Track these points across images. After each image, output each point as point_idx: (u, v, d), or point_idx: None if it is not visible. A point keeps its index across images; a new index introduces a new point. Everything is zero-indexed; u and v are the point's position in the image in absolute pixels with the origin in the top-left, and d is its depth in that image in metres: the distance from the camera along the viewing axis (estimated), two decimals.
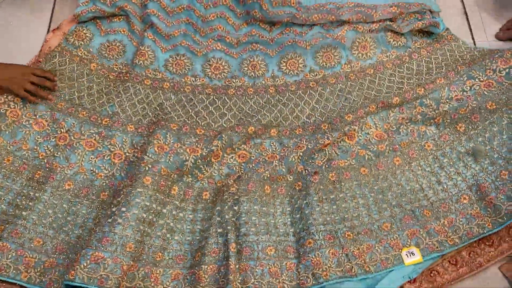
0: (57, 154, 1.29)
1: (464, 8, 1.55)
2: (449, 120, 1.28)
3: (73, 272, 1.01)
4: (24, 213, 1.18)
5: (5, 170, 1.25)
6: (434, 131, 1.29)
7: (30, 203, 1.20)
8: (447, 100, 1.32)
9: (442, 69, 1.40)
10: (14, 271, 1.09)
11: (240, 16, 1.52)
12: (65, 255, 1.13)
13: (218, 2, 1.50)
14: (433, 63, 1.42)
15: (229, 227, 1.16)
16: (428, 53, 1.44)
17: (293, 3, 1.46)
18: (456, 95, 1.32)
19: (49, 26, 1.54)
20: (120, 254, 1.07)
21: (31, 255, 1.12)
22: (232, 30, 1.52)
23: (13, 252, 1.11)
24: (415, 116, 1.31)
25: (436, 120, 1.29)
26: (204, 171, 1.29)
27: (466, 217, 1.14)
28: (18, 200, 1.21)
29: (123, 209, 1.13)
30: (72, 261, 1.09)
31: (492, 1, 1.54)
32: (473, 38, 1.48)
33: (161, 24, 1.48)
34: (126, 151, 1.31)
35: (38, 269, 1.11)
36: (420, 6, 1.45)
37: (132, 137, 1.34)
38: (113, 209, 1.14)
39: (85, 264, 1.03)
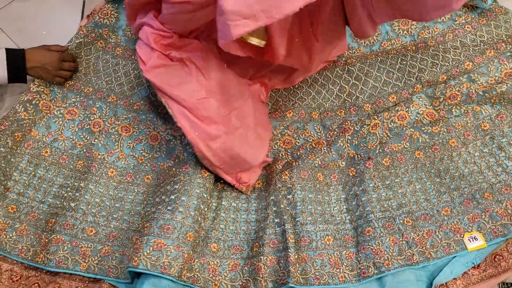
0: (94, 141, 1.25)
1: None
2: (506, 100, 1.22)
3: (136, 259, 0.99)
4: (72, 204, 1.15)
5: (45, 163, 1.21)
6: (490, 111, 1.23)
7: (76, 194, 1.17)
8: (497, 75, 1.25)
9: (490, 43, 1.33)
10: (72, 262, 1.07)
11: None
12: (119, 241, 1.12)
13: None
14: (478, 40, 1.34)
15: (285, 217, 1.11)
16: (474, 29, 1.36)
17: None
18: (506, 70, 1.25)
19: (83, 12, 1.47)
20: (182, 243, 1.03)
21: (86, 245, 1.10)
22: None
23: (68, 243, 1.09)
24: (469, 96, 1.24)
25: (492, 100, 1.23)
26: None
27: None
28: (63, 191, 1.18)
29: (183, 198, 1.09)
30: (126, 246, 1.08)
31: None
32: None
33: None
34: (160, 131, 1.27)
35: (95, 258, 1.09)
36: None
37: (164, 116, 1.29)
38: (172, 197, 1.10)
39: (148, 251, 1.00)
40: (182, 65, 1.07)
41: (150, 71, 1.05)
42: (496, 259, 1.09)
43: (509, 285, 1.08)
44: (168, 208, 1.08)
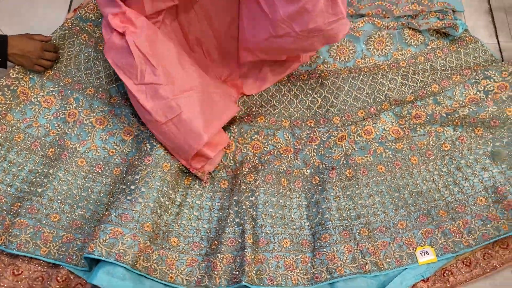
0: (67, 131, 1.28)
1: (491, 8, 1.54)
2: (467, 124, 1.27)
3: (92, 245, 1.01)
4: (39, 189, 1.17)
5: (17, 148, 1.23)
6: (452, 132, 1.28)
7: (44, 180, 1.19)
8: (461, 100, 1.30)
9: (458, 69, 1.39)
10: (33, 246, 1.09)
11: None
12: (81, 230, 1.14)
13: None
14: (447, 66, 1.40)
15: (246, 218, 1.14)
16: (444, 55, 1.42)
17: None
18: (470, 95, 1.31)
19: (70, 6, 1.52)
20: (138, 232, 1.06)
21: (49, 230, 1.11)
22: None
23: (31, 228, 1.11)
24: (433, 117, 1.29)
25: (454, 122, 1.28)
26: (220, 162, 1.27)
27: (482, 219, 1.13)
28: (32, 177, 1.20)
29: (143, 189, 1.12)
30: (89, 235, 1.10)
31: None
32: (497, 39, 1.47)
33: None
34: (133, 126, 1.30)
35: (57, 244, 1.10)
36: (443, 5, 1.44)
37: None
38: (132, 187, 1.13)
39: (104, 239, 1.02)
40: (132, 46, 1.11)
41: (106, 52, 1.12)
42: (445, 274, 1.13)
43: None
44: (128, 197, 1.10)
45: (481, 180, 1.20)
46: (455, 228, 1.13)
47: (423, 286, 1.11)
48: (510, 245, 1.14)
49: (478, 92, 1.30)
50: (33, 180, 1.20)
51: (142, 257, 1.05)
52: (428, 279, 1.11)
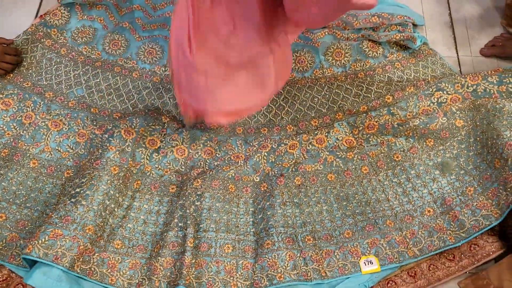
0: (22, 132, 1.29)
1: (452, 21, 1.55)
2: (419, 134, 1.28)
3: (30, 246, 1.02)
4: None
5: None
6: (403, 143, 1.28)
7: None
8: (415, 111, 1.31)
9: (413, 81, 1.40)
10: None
11: None
12: (27, 230, 1.15)
13: None
14: (405, 78, 1.41)
15: (189, 222, 1.14)
16: (402, 67, 1.43)
17: None
18: (423, 107, 1.31)
19: (37, 12, 1.55)
20: (79, 234, 1.07)
21: None
22: None
23: None
24: (385, 127, 1.30)
25: (406, 133, 1.28)
26: (169, 166, 1.28)
27: (429, 230, 1.13)
28: None
29: (88, 192, 1.13)
30: (33, 235, 1.10)
31: (479, 18, 1.55)
32: (457, 52, 1.48)
33: (144, 18, 1.49)
34: (88, 130, 1.32)
35: (1, 244, 1.11)
36: (402, 18, 1.45)
37: (94, 116, 1.35)
38: (78, 190, 1.14)
39: (43, 240, 1.03)
40: None
41: None
42: (389, 285, 1.12)
43: None
44: (72, 200, 1.11)
45: (430, 191, 1.20)
46: (401, 238, 1.13)
47: None
48: (456, 257, 1.13)
49: (431, 104, 1.31)
50: None
51: (81, 259, 1.06)
52: None
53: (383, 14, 1.46)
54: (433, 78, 1.38)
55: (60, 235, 1.05)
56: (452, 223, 1.13)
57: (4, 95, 1.34)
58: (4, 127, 1.30)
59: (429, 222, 1.14)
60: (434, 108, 1.30)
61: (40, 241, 1.03)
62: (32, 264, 1.06)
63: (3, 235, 1.12)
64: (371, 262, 1.11)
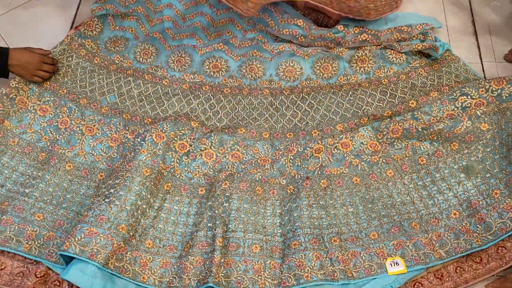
0: (59, 137, 1.35)
1: (475, 28, 1.57)
2: (443, 138, 1.29)
3: (68, 243, 1.07)
4: (27, 190, 1.24)
5: (11, 151, 1.31)
6: (428, 147, 1.30)
7: (33, 182, 1.26)
8: (439, 116, 1.32)
9: (437, 86, 1.41)
10: (16, 243, 1.15)
11: (249, 24, 1.57)
12: (63, 229, 1.19)
13: (229, 10, 1.55)
14: (429, 83, 1.43)
15: (217, 222, 1.18)
16: (426, 73, 1.45)
17: (300, 23, 1.49)
18: (447, 111, 1.33)
19: (72, 24, 1.62)
20: (113, 233, 1.11)
21: (32, 229, 1.17)
22: (239, 35, 1.57)
23: (16, 225, 1.17)
24: (409, 131, 1.32)
25: (430, 137, 1.30)
26: (198, 169, 1.32)
27: (455, 232, 1.14)
28: (22, 179, 1.28)
29: (121, 192, 1.17)
30: (69, 234, 1.14)
31: (502, 25, 1.57)
32: (481, 59, 1.50)
33: (173, 28, 1.55)
34: (120, 134, 1.37)
35: (38, 242, 1.16)
36: (421, 27, 1.47)
37: (126, 122, 1.40)
38: (111, 190, 1.18)
39: (79, 237, 1.08)
40: None
41: None
42: (415, 286, 1.13)
43: None
44: (106, 200, 1.16)
45: (455, 194, 1.21)
46: (427, 240, 1.14)
47: None
48: (483, 260, 1.14)
49: (455, 108, 1.32)
50: (23, 181, 1.27)
51: (114, 257, 1.10)
52: None
53: (402, 28, 1.47)
54: (457, 83, 1.39)
55: (95, 233, 1.09)
56: (478, 225, 1.13)
57: (41, 102, 1.40)
58: (42, 132, 1.36)
59: (455, 224, 1.15)
60: (458, 113, 1.31)
61: (76, 239, 1.08)
62: (68, 261, 1.10)
63: (41, 233, 1.17)
64: (397, 264, 1.12)
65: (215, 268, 1.08)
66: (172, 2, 1.56)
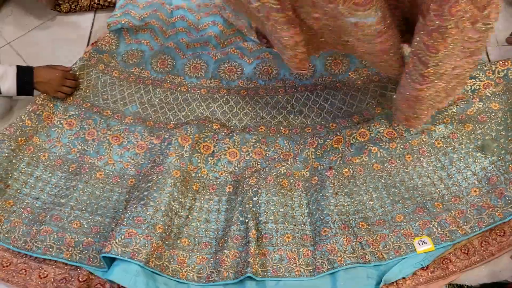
0: (87, 148, 1.41)
1: None
2: (457, 120, 1.34)
3: (109, 245, 1.11)
4: (62, 200, 1.29)
5: (42, 165, 1.37)
6: (443, 130, 1.34)
7: (67, 192, 1.31)
8: (451, 100, 1.37)
9: None
10: (57, 251, 1.21)
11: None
12: (100, 235, 1.24)
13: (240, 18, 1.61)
14: None
15: (249, 216, 1.22)
16: None
17: None
18: (458, 95, 1.37)
19: (89, 40, 1.69)
20: (151, 233, 1.15)
21: (71, 236, 1.22)
22: (250, 40, 1.63)
23: (55, 234, 1.23)
24: None
25: (445, 120, 1.35)
26: (223, 168, 1.37)
27: (477, 208, 1.18)
28: (56, 190, 1.33)
29: (155, 194, 1.22)
30: (107, 239, 1.19)
31: (503, 8, 1.61)
32: None
33: (187, 38, 1.61)
34: (146, 141, 1.43)
35: (78, 248, 1.21)
36: None
37: (150, 129, 1.46)
38: (145, 193, 1.23)
39: (120, 239, 1.13)
40: None
41: None
42: (444, 262, 1.17)
43: (455, 286, 1.15)
44: (141, 202, 1.21)
45: (474, 172, 1.25)
46: (451, 218, 1.18)
47: (423, 274, 1.16)
48: (507, 232, 1.18)
49: (465, 92, 1.38)
50: (57, 192, 1.32)
51: (154, 256, 1.14)
52: (427, 267, 1.16)
53: None
54: None
55: (135, 233, 1.14)
56: (499, 200, 1.18)
57: (67, 116, 1.46)
58: (70, 144, 1.41)
59: (477, 201, 1.20)
60: (469, 95, 1.37)
61: (117, 240, 1.12)
62: (109, 263, 1.14)
63: (80, 240, 1.22)
64: (424, 242, 1.17)
65: (252, 259, 1.13)
66: (185, 14, 1.63)
